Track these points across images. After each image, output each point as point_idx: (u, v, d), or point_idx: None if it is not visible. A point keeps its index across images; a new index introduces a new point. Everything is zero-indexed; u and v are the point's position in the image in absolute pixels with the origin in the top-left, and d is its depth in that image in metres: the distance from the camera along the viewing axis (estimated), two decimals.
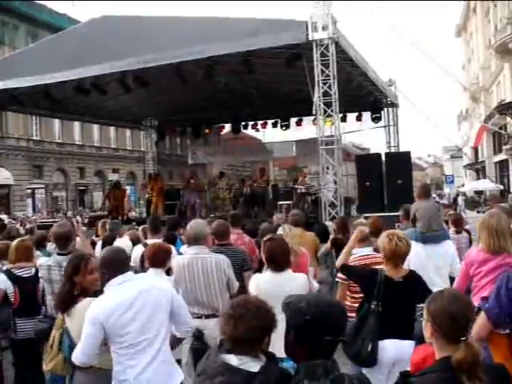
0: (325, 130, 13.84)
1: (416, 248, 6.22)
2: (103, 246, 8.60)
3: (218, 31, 13.19)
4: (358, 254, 6.02)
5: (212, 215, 18.88)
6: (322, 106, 13.21)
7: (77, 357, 4.19)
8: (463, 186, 57.77)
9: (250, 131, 26.51)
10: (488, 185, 44.80)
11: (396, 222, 9.48)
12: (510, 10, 40.53)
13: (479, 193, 46.94)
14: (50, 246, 8.48)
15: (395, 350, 4.80)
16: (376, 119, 21.83)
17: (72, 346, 4.46)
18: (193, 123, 25.41)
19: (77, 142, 46.57)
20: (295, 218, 8.41)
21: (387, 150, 21.02)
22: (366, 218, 10.25)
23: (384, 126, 22.07)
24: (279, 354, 2.87)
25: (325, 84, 13.15)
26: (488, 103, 48.49)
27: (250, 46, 13.06)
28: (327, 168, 13.85)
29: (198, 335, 5.53)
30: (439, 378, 2.59)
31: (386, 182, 15.38)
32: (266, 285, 4.85)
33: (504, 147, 42.68)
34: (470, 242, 9.51)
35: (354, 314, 4.95)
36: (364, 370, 4.87)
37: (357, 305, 5.14)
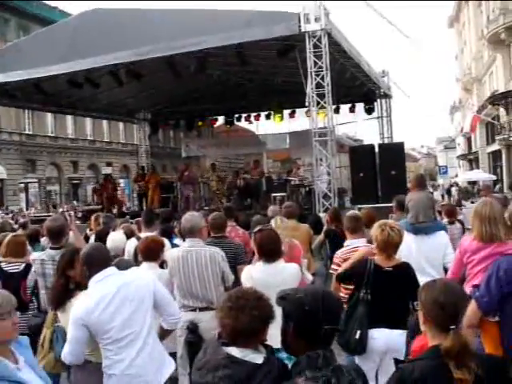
0: (318, 121, 13.84)
1: (407, 238, 6.25)
2: (96, 240, 8.59)
3: (210, 23, 13.15)
4: (351, 245, 6.02)
5: (206, 208, 18.87)
6: (315, 97, 13.20)
7: (65, 357, 4.24)
8: (457, 176, 57.88)
9: (243, 123, 26.50)
10: (481, 175, 44.92)
11: (390, 213, 9.50)
12: (502, 0, 40.53)
13: (472, 183, 47.06)
14: (44, 241, 8.46)
15: (386, 340, 4.84)
16: (369, 110, 21.86)
17: (63, 346, 4.47)
18: (186, 116, 25.40)
19: (70, 136, 46.39)
20: (289, 210, 8.41)
21: (380, 141, 21.06)
22: (359, 209, 10.29)
23: (377, 117, 22.11)
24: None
25: (318, 75, 13.14)
26: (481, 94, 48.55)
27: (243, 38, 13.04)
28: (321, 159, 13.86)
29: (193, 328, 5.53)
30: (428, 365, 2.63)
31: (380, 173, 15.40)
32: (259, 275, 4.86)
33: (497, 138, 42.74)
34: (463, 233, 9.53)
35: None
36: (356, 359, 4.91)
37: None
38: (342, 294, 5.63)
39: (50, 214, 22.68)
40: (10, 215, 29.26)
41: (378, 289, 4.88)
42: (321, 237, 8.60)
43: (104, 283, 4.20)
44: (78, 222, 9.22)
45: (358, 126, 24.34)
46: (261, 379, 2.62)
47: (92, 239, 8.82)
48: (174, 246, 7.14)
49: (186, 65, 15.77)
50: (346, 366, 2.62)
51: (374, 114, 22.05)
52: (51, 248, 5.87)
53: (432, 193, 21.28)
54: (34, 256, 6.05)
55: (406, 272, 5.05)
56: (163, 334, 4.69)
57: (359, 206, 12.78)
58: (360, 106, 22.05)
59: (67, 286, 4.65)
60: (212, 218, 6.75)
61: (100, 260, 4.31)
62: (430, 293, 2.78)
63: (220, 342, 2.79)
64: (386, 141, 21.21)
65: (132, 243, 7.34)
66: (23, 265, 6.28)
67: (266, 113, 23.95)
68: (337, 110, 20.71)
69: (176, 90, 21.07)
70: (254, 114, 24.42)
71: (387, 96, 21.79)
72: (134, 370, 4.13)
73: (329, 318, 2.66)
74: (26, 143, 41.16)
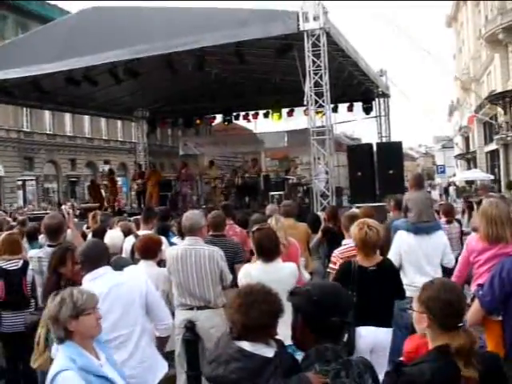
0: (316, 120, 13.83)
1: (408, 238, 6.27)
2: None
3: (208, 22, 13.12)
4: (348, 244, 6.03)
5: (204, 206, 18.87)
6: (314, 96, 13.19)
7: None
8: (454, 175, 57.91)
9: (241, 122, 26.48)
10: (479, 175, 44.93)
11: (387, 212, 9.51)
12: (500, 0, 40.56)
13: (470, 183, 47.08)
14: (42, 238, 8.45)
15: (372, 338, 4.91)
16: (367, 109, 21.83)
17: None
18: (184, 114, 25.35)
19: (68, 134, 46.30)
20: (287, 209, 8.40)
21: (378, 141, 21.06)
22: (357, 207, 10.29)
23: (375, 117, 22.10)
24: None
25: (316, 74, 13.13)
26: (479, 93, 48.58)
27: (241, 37, 13.01)
28: (319, 158, 13.84)
29: (190, 326, 5.53)
30: (437, 366, 2.61)
31: (378, 172, 15.41)
32: (257, 274, 4.87)
33: (495, 137, 42.78)
34: (461, 232, 9.55)
35: None
36: None
37: None
38: None
39: (48, 211, 22.69)
40: (8, 213, 29.18)
41: (365, 288, 4.92)
42: (319, 235, 8.60)
43: (96, 283, 4.19)
44: (75, 219, 9.19)
45: (356, 125, 24.38)
46: (271, 372, 2.65)
47: (89, 237, 8.83)
48: (171, 244, 7.15)
49: (184, 63, 15.75)
50: (355, 359, 2.66)
51: (372, 113, 22.03)
52: (49, 245, 5.87)
53: (430, 192, 21.32)
54: (32, 253, 6.06)
55: (390, 269, 5.12)
56: (161, 342, 4.69)
57: (357, 204, 12.78)
58: (358, 105, 22.01)
59: (59, 283, 4.64)
60: (211, 216, 6.75)
61: (94, 258, 4.31)
62: (434, 292, 2.77)
63: (231, 335, 2.81)
64: (384, 140, 21.22)
65: (129, 241, 7.35)
66: (21, 261, 6.30)
67: (264, 111, 23.87)
68: (335, 109, 20.68)
69: (174, 88, 21.03)
70: (252, 112, 24.36)
71: (385, 95, 21.79)
72: (127, 372, 4.12)
73: (337, 310, 2.69)
74: (23, 141, 41.07)
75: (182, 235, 6.83)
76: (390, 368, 2.89)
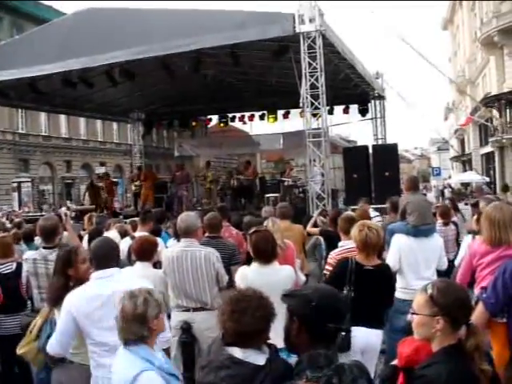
0: (312, 122, 13.83)
1: (408, 241, 6.22)
2: (89, 240, 8.56)
3: (204, 24, 13.12)
4: (345, 246, 6.03)
5: (200, 208, 18.86)
6: (309, 98, 13.20)
7: (51, 345, 4.22)
8: (450, 178, 58.01)
9: (237, 124, 26.45)
10: (474, 177, 44.99)
11: (383, 214, 9.51)
12: (495, 3, 40.67)
13: (466, 185, 47.14)
14: (38, 240, 8.43)
15: (364, 339, 4.93)
16: (363, 112, 21.88)
17: (51, 336, 4.45)
18: (180, 116, 25.34)
19: (63, 135, 46.23)
20: (283, 211, 8.39)
21: (374, 143, 21.07)
22: (353, 210, 10.30)
23: (371, 119, 22.14)
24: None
25: (312, 76, 13.14)
26: (474, 96, 48.69)
27: (237, 39, 13.02)
28: (314, 160, 13.85)
29: (186, 328, 5.53)
30: (452, 366, 2.62)
31: (373, 174, 15.45)
32: (254, 276, 4.87)
33: (490, 140, 42.85)
34: (458, 234, 9.54)
35: None
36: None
37: None
38: None
39: (43, 213, 22.63)
40: (5, 215, 29.10)
41: (362, 286, 4.97)
42: (315, 237, 8.63)
43: (101, 283, 4.20)
44: (71, 221, 9.16)
45: (352, 127, 24.44)
46: (262, 380, 2.62)
47: (85, 239, 8.81)
48: (166, 247, 7.14)
49: (180, 65, 15.75)
50: (349, 364, 2.59)
51: (368, 116, 22.09)
52: (44, 247, 5.84)
53: (425, 194, 21.36)
54: (27, 255, 6.03)
55: (385, 273, 5.16)
56: None
57: (353, 206, 12.79)
58: (354, 107, 22.07)
59: (67, 285, 4.63)
60: (208, 218, 6.76)
61: (103, 256, 4.31)
62: (450, 295, 2.76)
63: (223, 342, 2.79)
64: (380, 142, 21.23)
65: (126, 243, 7.34)
66: (15, 264, 6.29)
67: (260, 113, 23.89)
68: (331, 111, 20.70)
69: (170, 90, 21.03)
70: (248, 114, 24.36)
71: (381, 97, 21.83)
72: None
73: (334, 317, 2.67)
74: (18, 142, 41.01)
75: (178, 237, 6.83)
76: (386, 373, 2.88)
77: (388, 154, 15.72)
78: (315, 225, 9.24)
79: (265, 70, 18.13)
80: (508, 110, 38.95)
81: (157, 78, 18.36)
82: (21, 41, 17.12)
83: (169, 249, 6.15)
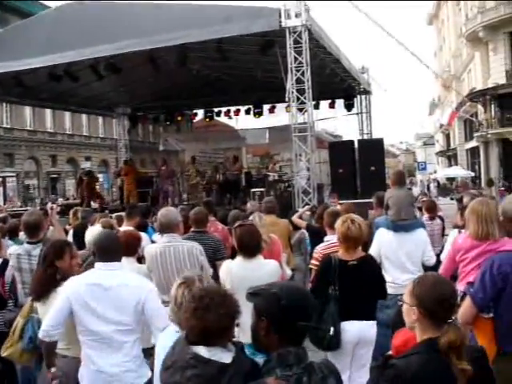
0: (298, 117, 13.84)
1: (388, 236, 6.31)
2: (74, 235, 8.53)
3: (190, 18, 13.09)
4: (330, 240, 6.05)
5: (185, 202, 18.83)
6: (295, 93, 13.21)
7: (44, 329, 4.16)
8: (435, 172, 58.30)
9: (222, 118, 26.44)
10: (459, 172, 45.29)
11: (369, 209, 9.53)
12: None
13: (451, 179, 47.42)
14: (23, 235, 8.37)
15: (357, 331, 4.97)
16: (349, 106, 21.93)
17: (33, 338, 4.42)
18: (165, 110, 25.30)
19: (48, 130, 45.86)
20: (268, 206, 8.40)
21: (360, 137, 21.17)
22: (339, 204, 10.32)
23: (357, 113, 22.23)
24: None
25: (298, 71, 13.15)
26: (459, 91, 48.95)
27: (223, 33, 13.01)
28: (300, 155, 13.87)
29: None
30: (425, 359, 2.62)
31: (359, 168, 15.47)
32: (238, 270, 4.87)
33: (475, 134, 43.13)
34: (444, 229, 9.59)
35: None
36: (329, 354, 4.94)
37: None
38: None
39: (28, 208, 22.48)
40: None
41: (346, 283, 4.98)
42: (300, 232, 8.65)
43: (103, 274, 4.20)
44: (57, 216, 9.06)
45: (338, 121, 24.46)
46: (229, 379, 2.58)
47: (70, 234, 8.77)
48: (153, 242, 7.12)
49: (166, 59, 15.70)
50: (319, 362, 2.56)
51: (354, 110, 22.16)
52: (28, 242, 5.81)
53: (410, 189, 21.45)
54: (11, 250, 5.99)
55: (370, 264, 5.18)
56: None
57: (339, 201, 12.81)
58: (340, 102, 22.11)
59: (55, 277, 4.60)
60: (194, 212, 6.76)
61: (103, 250, 4.30)
62: (427, 286, 2.77)
63: (187, 341, 2.72)
64: (366, 137, 21.34)
65: None
66: (0, 260, 6.21)
67: (246, 108, 23.88)
68: (316, 106, 20.73)
69: (156, 84, 20.94)
70: (234, 108, 24.36)
71: (367, 92, 21.92)
72: (109, 369, 4.10)
73: (303, 315, 2.62)
74: (3, 137, 40.66)
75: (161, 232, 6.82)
76: (377, 362, 2.88)
77: (374, 149, 15.74)
78: (301, 218, 9.27)
79: (251, 65, 18.10)
80: (493, 106, 39.20)
81: (142, 73, 18.27)
82: (6, 34, 16.91)
83: (151, 245, 6.13)
